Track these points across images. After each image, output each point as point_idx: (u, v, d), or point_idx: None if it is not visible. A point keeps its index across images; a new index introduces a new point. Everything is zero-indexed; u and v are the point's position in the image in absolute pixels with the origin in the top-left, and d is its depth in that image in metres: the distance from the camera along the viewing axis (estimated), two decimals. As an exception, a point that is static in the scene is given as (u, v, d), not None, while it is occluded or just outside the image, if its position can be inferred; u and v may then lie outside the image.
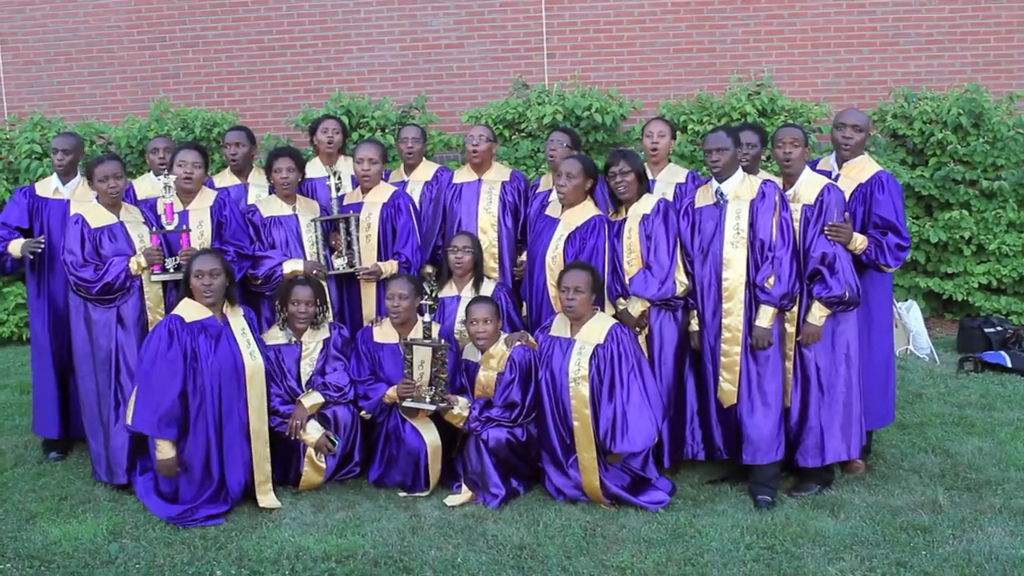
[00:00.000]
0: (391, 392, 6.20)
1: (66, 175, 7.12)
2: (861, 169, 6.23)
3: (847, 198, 6.08)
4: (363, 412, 6.35)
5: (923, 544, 5.19)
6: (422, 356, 6.09)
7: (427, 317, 6.11)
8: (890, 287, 6.54)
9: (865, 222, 6.12)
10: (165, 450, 5.78)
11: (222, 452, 5.90)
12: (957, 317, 10.27)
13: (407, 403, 6.12)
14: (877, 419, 6.43)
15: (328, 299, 6.63)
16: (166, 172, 6.56)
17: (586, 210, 6.45)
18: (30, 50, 12.10)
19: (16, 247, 6.80)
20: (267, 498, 6.02)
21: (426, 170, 7.55)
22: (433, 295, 6.15)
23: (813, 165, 6.51)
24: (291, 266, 6.67)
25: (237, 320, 6.09)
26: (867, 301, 6.15)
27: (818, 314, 5.86)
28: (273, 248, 6.77)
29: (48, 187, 7.12)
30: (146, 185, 7.29)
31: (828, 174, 6.26)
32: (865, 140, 6.33)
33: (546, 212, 6.71)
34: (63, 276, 6.67)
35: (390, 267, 6.82)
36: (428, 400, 6.07)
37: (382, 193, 7.00)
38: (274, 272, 6.64)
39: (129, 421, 5.83)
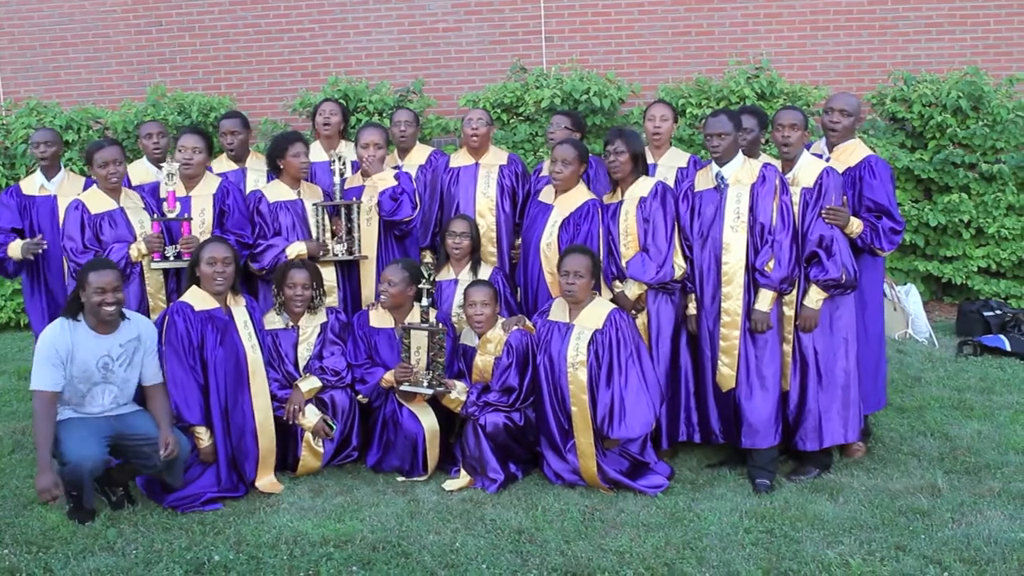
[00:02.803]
0: (388, 376, 6.19)
1: (49, 170, 7.12)
2: (851, 153, 6.21)
3: None
4: (360, 396, 6.34)
5: (922, 528, 5.18)
6: (419, 340, 6.08)
7: (425, 301, 6.09)
8: (882, 271, 6.52)
9: (856, 206, 6.11)
10: (206, 437, 5.84)
11: (228, 442, 5.91)
12: (956, 301, 10.29)
13: (405, 387, 6.11)
14: (870, 404, 6.40)
15: (323, 283, 6.59)
16: (170, 159, 6.53)
17: (579, 195, 6.45)
18: (25, 35, 12.05)
19: (15, 249, 6.81)
20: (266, 481, 6.02)
21: (420, 154, 7.53)
22: (431, 280, 6.14)
23: (806, 148, 6.48)
24: (295, 249, 6.63)
25: (240, 311, 6.06)
26: (860, 285, 6.10)
27: (815, 297, 5.84)
28: (278, 235, 6.73)
29: (33, 185, 7.13)
30: (140, 170, 7.28)
31: (819, 158, 6.22)
32: (854, 125, 6.30)
33: (539, 198, 6.69)
34: (58, 272, 6.67)
35: None
36: (426, 384, 6.06)
37: (384, 177, 6.96)
38: (279, 260, 6.60)
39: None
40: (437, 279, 6.64)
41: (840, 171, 6.09)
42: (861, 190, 6.11)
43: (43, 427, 5.33)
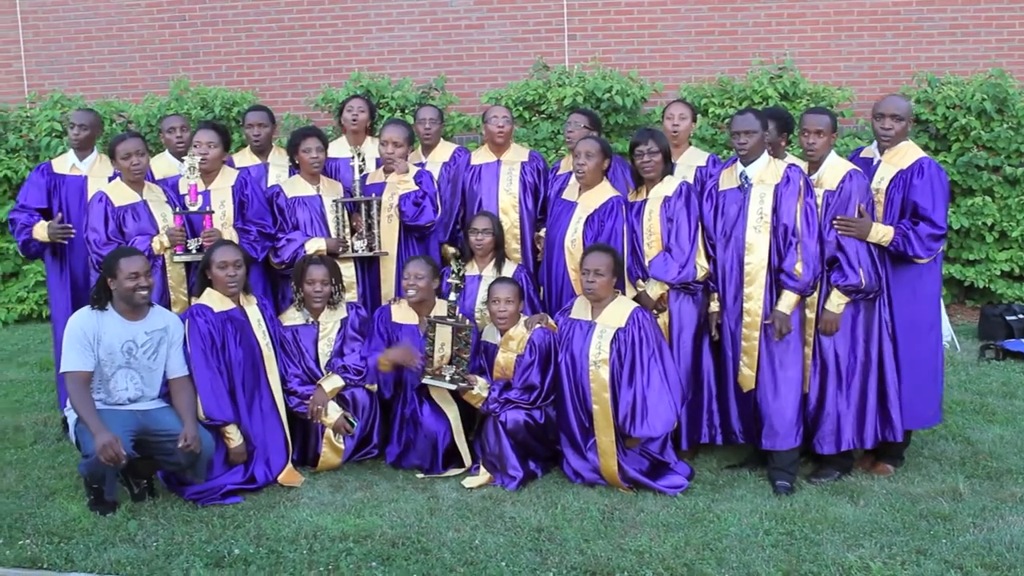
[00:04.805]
0: (383, 359, 6.19)
1: (82, 150, 7.12)
2: (903, 156, 6.01)
3: (887, 184, 5.96)
4: (369, 386, 6.34)
5: (943, 532, 5.16)
6: (445, 335, 6.09)
7: (453, 296, 6.10)
8: (938, 280, 6.24)
9: (904, 209, 5.94)
10: (236, 436, 5.87)
11: (248, 438, 5.96)
12: (979, 304, 10.22)
13: (427, 381, 6.12)
14: (918, 419, 6.15)
15: (341, 279, 6.60)
16: (191, 153, 6.55)
17: (603, 191, 6.45)
18: (50, 28, 12.11)
19: (41, 231, 6.80)
20: (288, 474, 6.07)
21: (444, 151, 7.52)
22: (460, 274, 6.14)
23: (857, 153, 6.42)
24: (314, 245, 6.66)
25: (253, 311, 6.13)
26: (914, 296, 6.02)
27: (837, 302, 5.79)
28: (297, 229, 6.76)
29: (65, 164, 7.12)
30: (163, 164, 7.30)
31: (870, 162, 6.14)
32: (907, 128, 6.09)
33: (563, 196, 6.69)
34: (83, 254, 6.68)
35: None
36: (448, 379, 6.06)
37: (405, 180, 6.94)
38: (297, 255, 6.63)
39: (203, 416, 5.76)
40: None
41: (892, 173, 5.97)
42: (908, 193, 5.93)
43: (82, 401, 5.40)
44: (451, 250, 7.12)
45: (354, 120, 7.50)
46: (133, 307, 5.61)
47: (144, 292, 5.59)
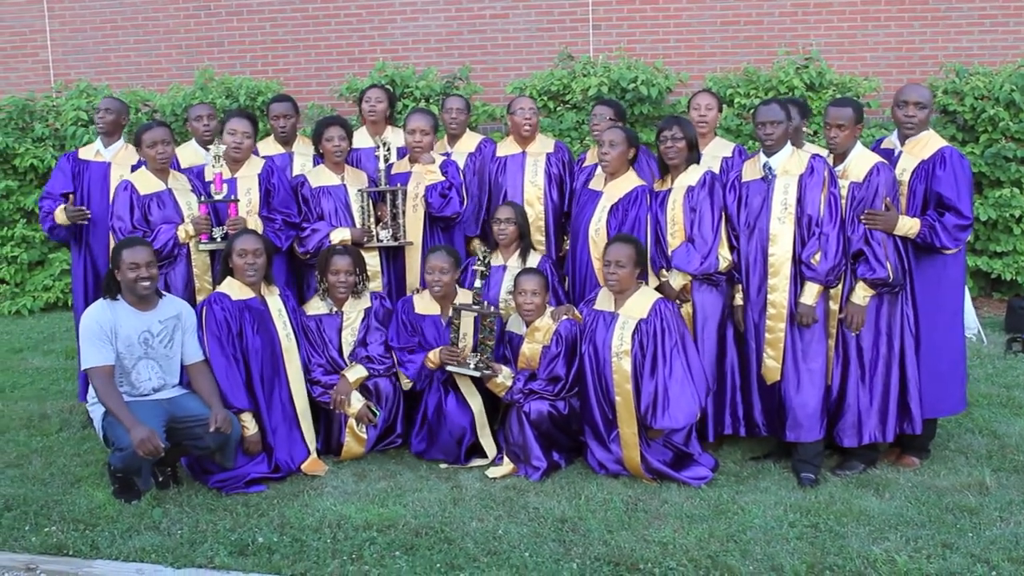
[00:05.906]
0: (432, 356, 6.19)
1: (108, 136, 7.16)
2: (924, 145, 5.96)
3: (909, 175, 5.92)
4: (406, 380, 6.32)
5: (969, 526, 5.12)
6: (469, 322, 6.09)
7: (478, 283, 6.10)
8: (963, 270, 6.18)
9: (927, 200, 5.90)
10: (252, 424, 5.89)
11: (265, 429, 5.97)
12: (1006, 296, 10.14)
13: (451, 369, 6.12)
14: (940, 408, 6.11)
15: (366, 269, 6.60)
16: (217, 141, 6.57)
17: (629, 181, 6.43)
18: (76, 17, 12.16)
19: (61, 215, 6.85)
20: (312, 464, 6.09)
21: (469, 141, 7.51)
22: (486, 262, 6.14)
23: (878, 144, 6.36)
24: (339, 235, 6.66)
25: (274, 301, 6.15)
26: (936, 284, 5.97)
27: (862, 294, 5.75)
28: (322, 219, 6.77)
29: (90, 151, 7.20)
30: (189, 153, 7.32)
31: (891, 152, 6.09)
32: (929, 116, 6.06)
33: (589, 185, 6.67)
34: (104, 240, 6.72)
35: None
36: (472, 366, 6.06)
37: (431, 170, 6.93)
38: (322, 244, 6.63)
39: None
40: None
41: (913, 164, 5.92)
42: (931, 184, 5.88)
43: (110, 396, 5.42)
44: (475, 243, 7.11)
45: (372, 111, 7.48)
46: (139, 298, 5.65)
47: (146, 283, 5.61)
